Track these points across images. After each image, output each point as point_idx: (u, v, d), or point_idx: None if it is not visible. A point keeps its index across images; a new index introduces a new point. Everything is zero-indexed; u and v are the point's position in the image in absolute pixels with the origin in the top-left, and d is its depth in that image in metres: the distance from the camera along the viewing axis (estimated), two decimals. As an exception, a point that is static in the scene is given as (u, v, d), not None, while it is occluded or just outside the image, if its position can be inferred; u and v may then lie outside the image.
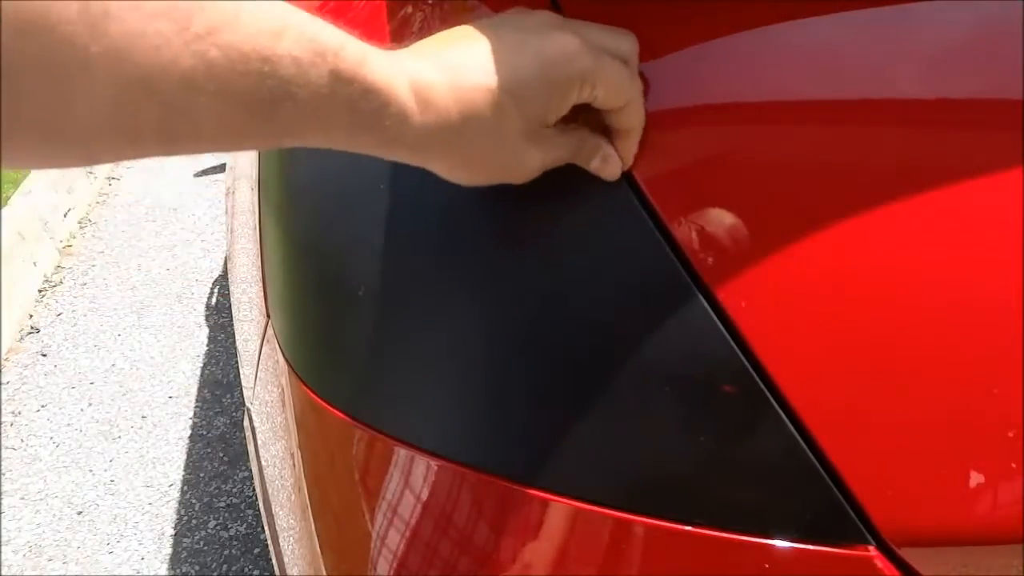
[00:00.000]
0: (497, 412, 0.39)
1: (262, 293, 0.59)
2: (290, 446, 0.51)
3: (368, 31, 0.52)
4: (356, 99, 0.31)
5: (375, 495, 0.42)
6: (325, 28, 0.31)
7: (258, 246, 0.62)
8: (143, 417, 1.58)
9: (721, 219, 0.37)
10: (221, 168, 2.03)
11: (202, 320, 1.85)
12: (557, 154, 0.37)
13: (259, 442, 0.66)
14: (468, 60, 0.34)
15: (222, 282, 1.94)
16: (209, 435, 1.54)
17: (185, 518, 1.38)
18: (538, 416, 0.38)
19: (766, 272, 0.37)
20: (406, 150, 0.34)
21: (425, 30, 0.47)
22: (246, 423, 0.75)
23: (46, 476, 1.46)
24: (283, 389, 0.52)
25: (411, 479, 0.41)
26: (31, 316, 1.86)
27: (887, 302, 0.37)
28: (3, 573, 1.28)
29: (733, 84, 0.39)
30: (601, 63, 0.35)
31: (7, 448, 1.51)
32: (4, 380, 1.68)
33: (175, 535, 1.35)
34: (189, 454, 1.50)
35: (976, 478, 0.36)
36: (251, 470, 0.88)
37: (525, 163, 0.36)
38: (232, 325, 1.15)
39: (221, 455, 1.50)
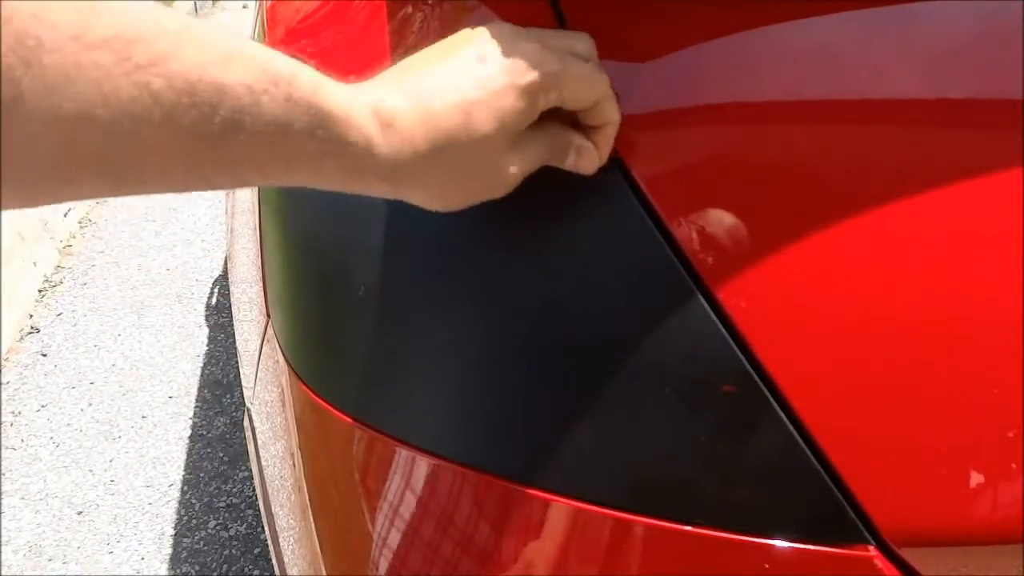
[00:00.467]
0: (497, 412, 0.39)
1: (262, 293, 0.59)
2: (290, 446, 0.51)
3: (368, 31, 0.52)
4: (314, 127, 0.30)
5: (375, 495, 0.42)
6: (277, 56, 0.30)
7: (258, 246, 0.62)
8: (143, 417, 1.58)
9: (721, 219, 0.37)
10: (221, 168, 2.02)
11: (202, 320, 1.85)
12: (532, 158, 0.37)
13: (259, 442, 0.66)
14: (431, 82, 0.34)
15: (222, 282, 1.95)
16: (209, 435, 1.54)
17: (185, 518, 1.38)
18: (538, 416, 0.38)
19: (766, 272, 0.37)
20: (377, 180, 0.33)
21: (425, 30, 0.47)
22: (246, 423, 0.75)
23: (46, 476, 1.46)
24: (283, 389, 0.52)
25: (411, 479, 0.41)
26: (31, 316, 1.86)
27: (887, 302, 0.37)
28: (3, 573, 1.28)
29: (733, 84, 0.39)
30: (565, 64, 0.35)
31: (7, 448, 1.51)
32: (4, 380, 1.68)
33: (175, 535, 1.35)
34: (189, 454, 1.50)
35: (976, 478, 0.36)
36: (251, 470, 0.88)
37: (503, 175, 0.36)
38: (232, 325, 1.15)
39: (221, 455, 1.50)
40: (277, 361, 0.53)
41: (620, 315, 0.38)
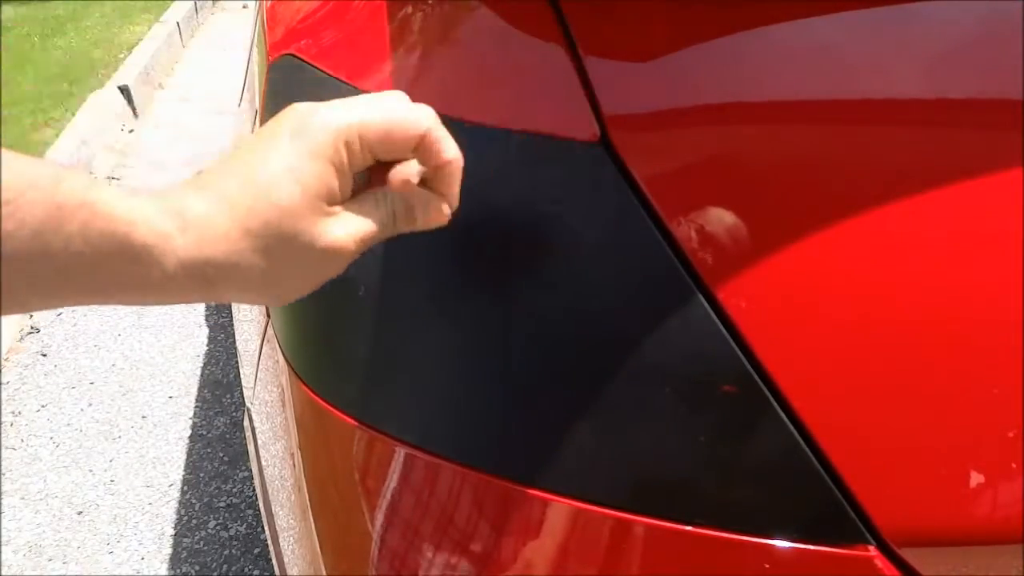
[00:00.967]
0: (497, 412, 0.39)
1: (262, 293, 0.59)
2: (290, 446, 0.51)
3: (368, 31, 0.52)
4: (86, 229, 0.29)
5: (375, 495, 0.42)
6: (42, 164, 0.28)
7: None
8: (143, 417, 1.58)
9: (721, 219, 0.37)
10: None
11: (202, 320, 1.85)
12: (363, 227, 0.34)
13: (259, 442, 0.66)
14: (226, 171, 0.33)
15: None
16: (209, 435, 1.54)
17: (185, 518, 1.38)
18: (538, 416, 0.38)
19: (766, 272, 0.37)
20: (189, 281, 0.31)
21: (425, 30, 0.47)
22: (246, 423, 0.75)
23: (46, 476, 1.46)
24: (283, 389, 0.52)
25: (411, 479, 0.41)
26: (31, 316, 1.86)
27: (887, 302, 0.37)
28: (3, 573, 1.28)
29: (733, 84, 0.39)
30: (353, 109, 0.34)
31: (7, 448, 1.51)
32: (4, 380, 1.68)
33: (175, 535, 1.35)
34: (189, 454, 1.50)
35: (976, 478, 0.36)
36: (251, 470, 0.88)
37: (330, 248, 0.33)
38: (232, 325, 1.15)
39: (221, 455, 1.50)
40: (277, 361, 0.53)
41: (620, 315, 0.38)
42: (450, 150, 0.35)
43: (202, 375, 1.68)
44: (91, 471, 1.47)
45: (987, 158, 0.37)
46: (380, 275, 0.43)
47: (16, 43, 3.18)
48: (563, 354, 0.38)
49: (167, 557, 1.31)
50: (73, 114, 2.55)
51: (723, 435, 0.37)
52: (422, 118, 0.34)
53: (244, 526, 1.36)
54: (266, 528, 0.65)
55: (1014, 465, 0.36)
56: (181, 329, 1.81)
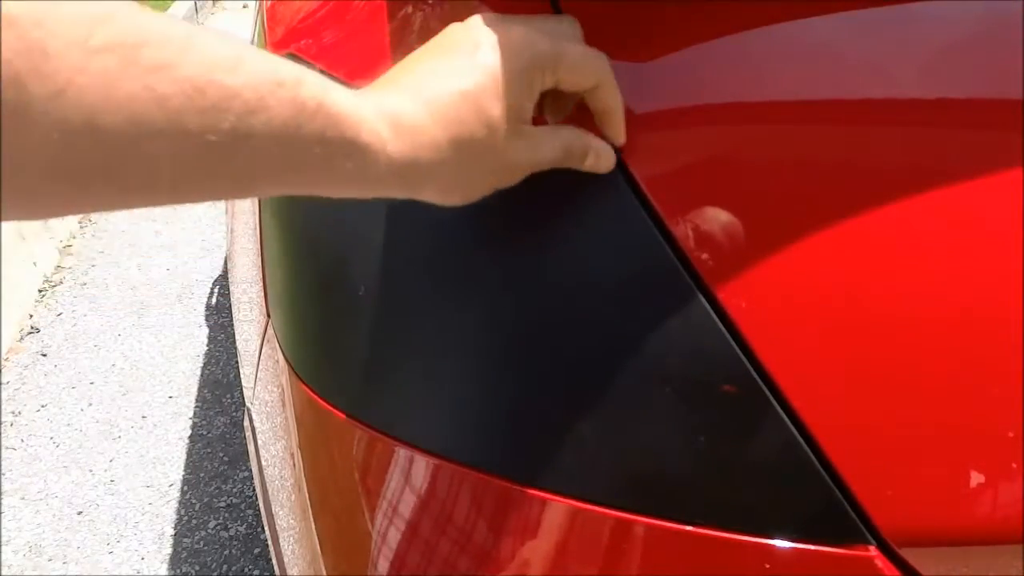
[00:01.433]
0: (497, 412, 0.39)
1: (262, 293, 0.59)
2: (290, 446, 0.51)
3: (368, 31, 0.52)
4: (323, 130, 0.30)
5: (375, 495, 0.42)
6: (282, 62, 0.29)
7: (258, 246, 0.62)
8: (143, 417, 1.58)
9: (721, 219, 0.37)
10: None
11: (202, 320, 1.85)
12: (545, 154, 0.37)
13: (259, 442, 0.66)
14: (430, 78, 0.34)
15: (222, 282, 1.95)
16: (209, 435, 1.54)
17: (185, 518, 1.38)
18: (538, 416, 0.38)
19: (766, 272, 0.37)
20: (393, 180, 0.33)
21: (425, 30, 0.47)
22: (246, 423, 0.75)
23: (46, 476, 1.46)
24: (283, 389, 0.52)
25: (411, 479, 0.41)
26: (31, 316, 1.86)
27: (887, 302, 0.37)
28: (3, 573, 1.28)
29: (733, 84, 0.39)
30: (557, 44, 0.35)
31: (7, 448, 1.51)
32: (4, 380, 1.68)
33: (175, 535, 1.35)
34: (189, 454, 1.50)
35: (976, 478, 0.36)
36: (251, 470, 0.88)
37: (514, 162, 0.36)
38: (232, 325, 1.15)
39: (221, 455, 1.50)
40: (277, 361, 0.53)
41: (620, 315, 0.38)
42: (618, 97, 0.37)
43: (202, 375, 1.68)
44: (91, 471, 1.47)
45: (987, 158, 0.37)
46: (380, 274, 0.43)
47: (16, 43, 3.18)
48: (563, 354, 0.38)
49: (167, 557, 1.31)
50: (73, 114, 2.55)
51: (723, 435, 0.37)
52: (605, 62, 0.37)
53: (244, 526, 1.36)
54: (266, 528, 0.65)
55: (1014, 465, 0.36)
56: (181, 329, 1.81)
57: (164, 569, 1.29)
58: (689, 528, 0.37)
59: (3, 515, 1.38)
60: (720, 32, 0.39)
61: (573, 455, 0.38)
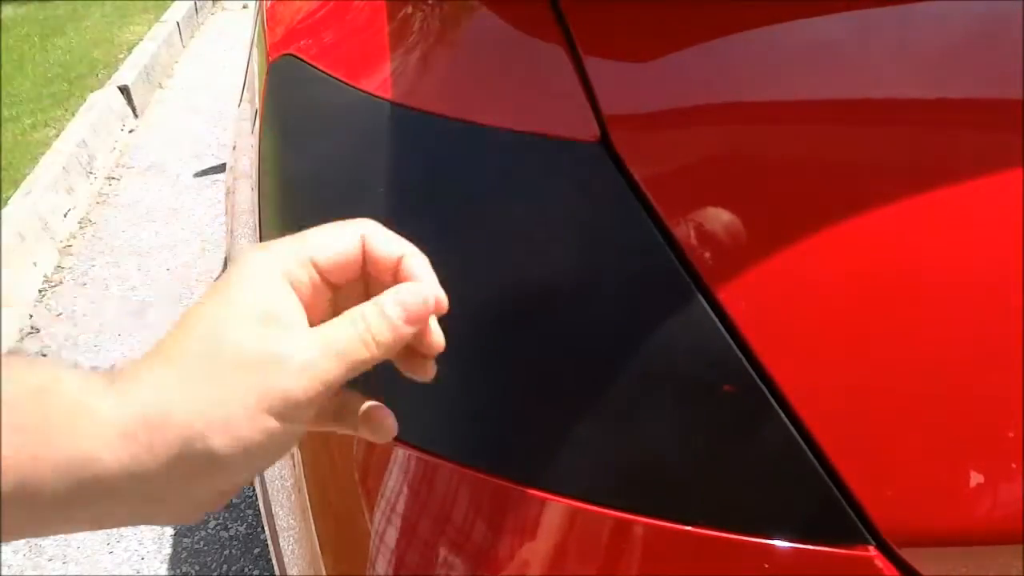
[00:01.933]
0: (497, 412, 0.39)
1: (262, 293, 0.59)
2: (290, 446, 0.51)
3: (368, 31, 0.52)
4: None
5: (375, 495, 0.42)
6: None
7: (258, 246, 0.62)
8: (143, 417, 1.58)
9: (721, 218, 0.37)
10: (221, 168, 2.02)
11: (202, 320, 1.84)
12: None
13: (259, 442, 0.65)
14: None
15: (222, 282, 1.94)
16: (209, 435, 1.54)
17: (185, 518, 1.38)
18: (538, 416, 0.38)
19: (766, 272, 0.37)
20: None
21: (425, 30, 0.47)
22: (246, 423, 0.74)
23: (46, 476, 1.46)
24: (283, 389, 0.52)
25: (411, 479, 0.41)
26: (31, 316, 1.86)
27: (887, 302, 0.37)
28: (3, 573, 1.28)
29: (733, 84, 0.39)
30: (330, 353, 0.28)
31: (7, 448, 1.51)
32: (4, 380, 1.67)
33: (175, 535, 1.35)
34: (189, 454, 1.50)
35: (976, 478, 0.36)
36: (251, 470, 0.88)
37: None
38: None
39: (221, 455, 1.49)
40: (277, 361, 0.53)
41: (620, 315, 0.38)
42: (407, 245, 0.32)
43: (202, 375, 1.68)
44: (91, 471, 1.47)
45: (987, 158, 0.37)
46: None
47: (16, 43, 3.18)
48: (563, 354, 0.38)
49: (167, 557, 1.31)
50: (73, 114, 2.55)
51: (723, 435, 0.37)
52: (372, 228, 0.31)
53: (244, 526, 1.36)
54: (266, 528, 0.65)
55: (1014, 465, 0.36)
56: (181, 329, 1.81)
57: (164, 569, 1.29)
58: (689, 528, 0.37)
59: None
60: (720, 32, 0.39)
61: (573, 455, 0.38)
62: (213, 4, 3.96)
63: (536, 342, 0.39)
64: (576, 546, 0.38)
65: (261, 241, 0.61)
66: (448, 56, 0.45)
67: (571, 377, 0.38)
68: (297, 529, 0.51)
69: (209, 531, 1.35)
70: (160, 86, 3.07)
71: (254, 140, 0.71)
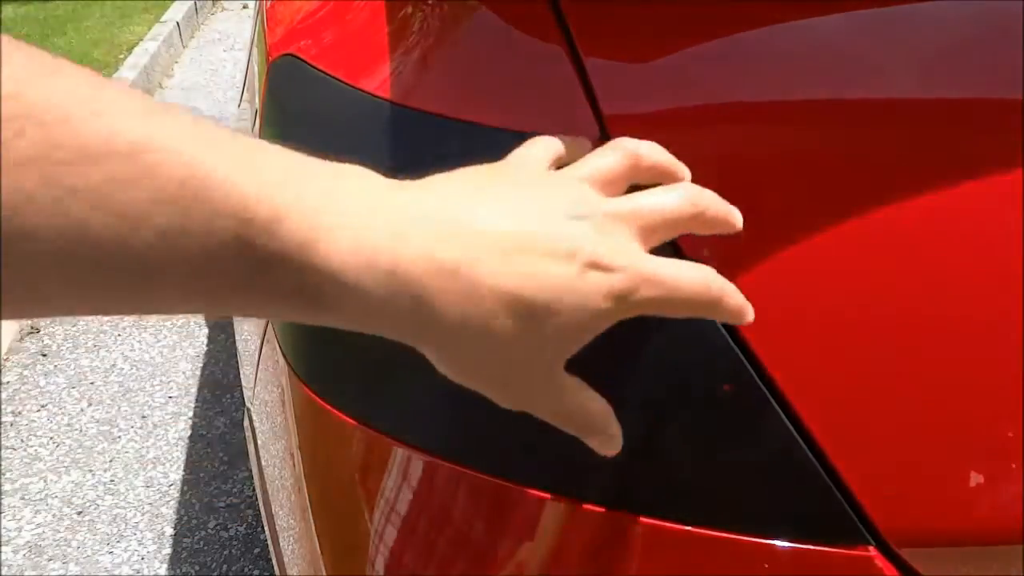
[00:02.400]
0: (497, 412, 0.39)
1: (262, 293, 0.59)
2: (290, 446, 0.51)
3: (368, 31, 0.52)
4: (257, 267, 0.23)
5: (375, 495, 0.42)
6: (241, 171, 0.22)
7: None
8: (143, 417, 1.58)
9: (721, 219, 0.37)
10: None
11: (202, 320, 1.85)
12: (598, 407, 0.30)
13: (259, 442, 0.66)
14: (504, 229, 0.26)
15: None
16: (209, 435, 1.54)
17: (185, 518, 1.38)
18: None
19: (766, 272, 0.37)
20: (357, 325, 0.26)
21: (425, 30, 0.47)
22: (246, 423, 0.75)
23: (46, 476, 1.46)
24: (283, 389, 0.52)
25: (411, 479, 0.41)
26: (31, 316, 1.86)
27: (887, 301, 0.36)
28: (3, 573, 1.28)
29: (733, 84, 0.39)
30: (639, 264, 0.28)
31: (7, 448, 1.51)
32: (4, 380, 1.67)
33: (175, 535, 1.35)
34: (189, 454, 1.50)
35: (976, 478, 0.36)
36: (251, 470, 0.88)
37: (556, 399, 0.29)
38: (232, 325, 1.15)
39: (221, 455, 1.49)
40: (277, 361, 0.53)
41: (620, 315, 0.38)
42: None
43: (202, 375, 1.68)
44: (91, 471, 1.47)
45: (987, 158, 0.37)
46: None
47: (16, 43, 3.18)
48: (563, 354, 0.38)
49: (167, 557, 1.31)
50: (73, 114, 2.55)
51: (722, 435, 0.37)
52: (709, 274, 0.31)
53: (244, 526, 1.36)
54: (266, 528, 0.65)
55: (1014, 465, 0.36)
56: (181, 329, 1.81)
57: (164, 569, 1.29)
58: (689, 528, 0.37)
59: (3, 515, 1.38)
60: (720, 32, 0.39)
61: (572, 455, 0.38)
62: (213, 4, 3.96)
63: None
64: (576, 546, 0.38)
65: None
66: (448, 56, 0.45)
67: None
68: (297, 529, 0.51)
69: (209, 531, 1.35)
70: (160, 86, 3.07)
71: (254, 140, 0.70)
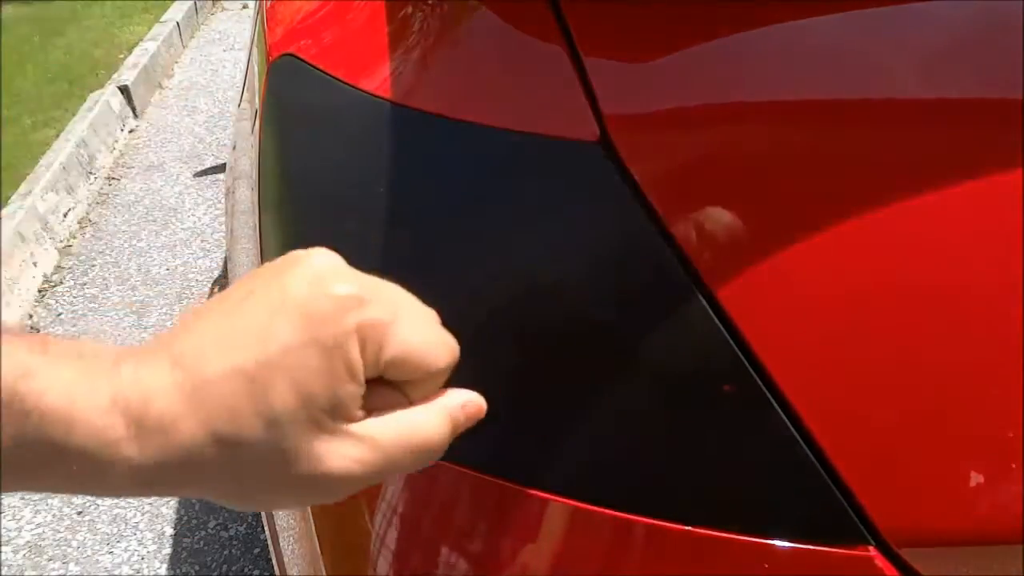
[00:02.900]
0: (497, 413, 0.39)
1: (262, 293, 0.59)
2: (290, 446, 0.51)
3: (368, 31, 0.52)
4: (15, 429, 0.23)
5: (375, 495, 0.42)
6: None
7: (258, 246, 0.62)
8: (143, 417, 1.58)
9: (721, 218, 0.37)
10: (221, 168, 2.03)
11: (202, 320, 1.84)
12: (387, 446, 0.27)
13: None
14: (204, 342, 0.25)
15: (222, 282, 1.94)
16: (209, 435, 1.54)
17: (185, 518, 1.38)
18: (538, 416, 0.38)
19: (766, 271, 0.37)
20: (135, 486, 0.25)
21: (425, 30, 0.47)
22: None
23: (46, 476, 1.46)
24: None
25: (411, 479, 0.41)
26: (31, 316, 1.86)
27: (887, 301, 0.36)
28: (3, 573, 1.28)
29: (733, 84, 0.39)
30: (397, 311, 0.28)
31: (7, 448, 1.51)
32: (4, 380, 1.67)
33: (175, 535, 1.35)
34: (189, 454, 1.50)
35: (976, 478, 0.36)
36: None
37: (333, 471, 0.26)
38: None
39: (221, 455, 1.49)
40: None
41: (620, 315, 0.38)
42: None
43: (202, 375, 1.68)
44: (91, 471, 1.47)
45: (987, 158, 0.37)
46: (378, 274, 0.43)
47: (16, 43, 3.18)
48: (563, 354, 0.38)
49: (167, 557, 1.31)
50: (73, 114, 2.55)
51: (723, 435, 0.37)
52: (455, 348, 0.29)
53: (244, 526, 1.36)
54: (266, 528, 0.65)
55: (1014, 465, 0.36)
56: (181, 329, 1.81)
57: (164, 569, 1.29)
58: (689, 528, 0.37)
59: (3, 515, 1.38)
60: (720, 32, 0.39)
61: (573, 455, 0.38)
62: (213, 4, 3.96)
63: (536, 342, 0.39)
64: (576, 546, 0.38)
65: (261, 241, 0.61)
66: (448, 56, 0.45)
67: (571, 377, 0.38)
68: (297, 529, 0.51)
69: (209, 531, 1.35)
70: (160, 86, 3.07)
71: (254, 140, 0.71)
